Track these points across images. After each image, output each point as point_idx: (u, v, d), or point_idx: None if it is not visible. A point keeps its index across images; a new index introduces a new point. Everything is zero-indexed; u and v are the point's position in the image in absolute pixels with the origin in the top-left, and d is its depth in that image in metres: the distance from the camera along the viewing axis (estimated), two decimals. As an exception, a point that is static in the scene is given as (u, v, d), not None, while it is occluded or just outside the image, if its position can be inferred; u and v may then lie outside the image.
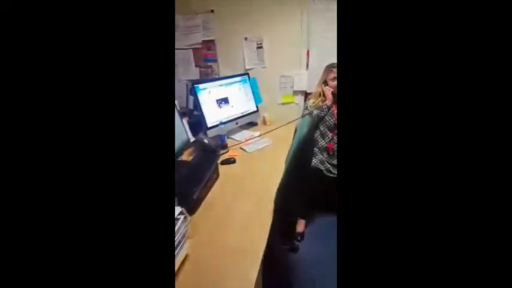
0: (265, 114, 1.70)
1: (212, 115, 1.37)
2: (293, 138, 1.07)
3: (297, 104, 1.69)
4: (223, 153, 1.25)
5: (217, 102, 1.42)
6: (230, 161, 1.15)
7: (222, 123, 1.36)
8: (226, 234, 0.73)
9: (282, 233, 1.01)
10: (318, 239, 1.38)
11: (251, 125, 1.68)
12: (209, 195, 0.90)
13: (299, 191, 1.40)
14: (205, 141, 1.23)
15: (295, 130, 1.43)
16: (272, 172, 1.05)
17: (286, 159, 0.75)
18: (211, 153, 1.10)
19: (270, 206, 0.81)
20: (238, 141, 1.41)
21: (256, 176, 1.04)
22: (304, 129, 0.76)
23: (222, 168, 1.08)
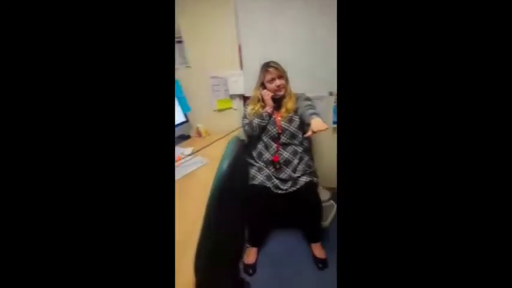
0: (198, 124, 1.40)
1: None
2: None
3: (235, 109, 1.44)
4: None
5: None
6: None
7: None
8: None
9: (218, 280, 0.76)
10: (275, 266, 1.19)
11: (182, 138, 1.36)
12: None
13: (240, 216, 1.18)
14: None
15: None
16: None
17: (212, 188, 0.53)
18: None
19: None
20: (161, 165, 1.08)
21: (178, 225, 0.75)
22: (225, 163, 0.53)
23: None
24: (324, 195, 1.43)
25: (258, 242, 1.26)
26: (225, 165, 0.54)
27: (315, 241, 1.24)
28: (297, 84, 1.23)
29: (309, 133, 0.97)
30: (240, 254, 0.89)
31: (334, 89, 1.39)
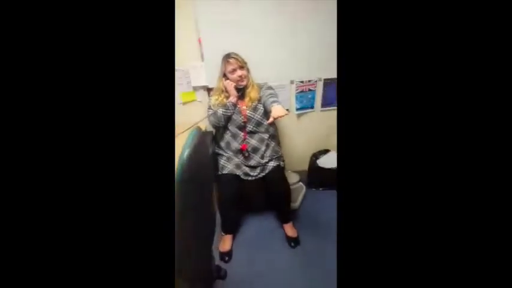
0: (163, 118, 1.37)
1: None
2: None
3: (200, 101, 1.43)
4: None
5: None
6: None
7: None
8: None
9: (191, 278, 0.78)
10: (251, 250, 1.24)
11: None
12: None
13: (208, 205, 1.20)
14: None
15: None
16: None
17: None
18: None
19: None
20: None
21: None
22: (185, 153, 0.54)
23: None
24: (293, 178, 1.52)
25: (232, 229, 1.29)
26: (185, 155, 0.54)
27: (286, 222, 1.31)
28: (259, 74, 1.27)
29: (271, 120, 1.02)
30: (210, 242, 0.91)
31: (295, 78, 1.46)
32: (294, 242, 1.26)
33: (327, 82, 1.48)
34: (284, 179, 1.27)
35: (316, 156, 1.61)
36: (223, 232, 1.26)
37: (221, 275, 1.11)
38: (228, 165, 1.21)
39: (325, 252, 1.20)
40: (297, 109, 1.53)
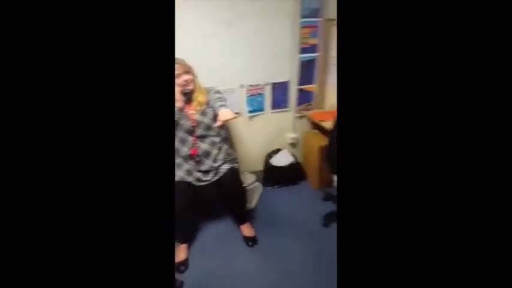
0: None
1: None
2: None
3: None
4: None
5: None
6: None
7: None
8: None
9: None
10: (209, 257, 1.22)
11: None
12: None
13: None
14: None
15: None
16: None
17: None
18: None
19: None
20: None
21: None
22: None
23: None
24: (250, 178, 1.55)
25: (187, 238, 1.25)
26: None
27: (243, 222, 1.33)
28: (207, 79, 1.27)
29: (219, 123, 1.03)
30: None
31: (244, 82, 1.50)
32: (251, 241, 1.28)
33: (275, 86, 1.56)
34: (238, 181, 1.28)
35: (270, 155, 1.67)
36: (178, 241, 1.22)
37: (177, 286, 1.07)
38: (178, 172, 1.18)
39: (283, 247, 1.25)
40: (249, 111, 1.57)
